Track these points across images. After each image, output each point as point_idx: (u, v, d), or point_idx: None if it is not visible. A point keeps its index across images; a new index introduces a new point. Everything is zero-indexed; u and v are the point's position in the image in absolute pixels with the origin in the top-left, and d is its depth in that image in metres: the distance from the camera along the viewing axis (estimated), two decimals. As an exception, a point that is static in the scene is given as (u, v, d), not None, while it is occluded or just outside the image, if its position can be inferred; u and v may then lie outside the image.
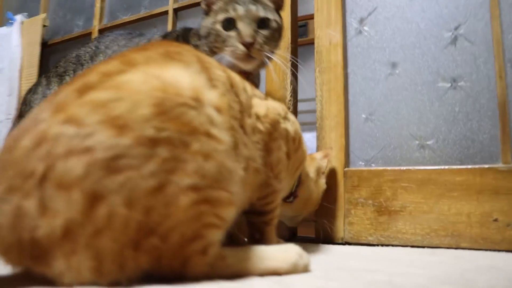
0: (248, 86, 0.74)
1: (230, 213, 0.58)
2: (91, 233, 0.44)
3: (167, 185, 0.47)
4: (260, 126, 0.71)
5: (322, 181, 1.07)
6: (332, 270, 0.68)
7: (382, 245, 1.07)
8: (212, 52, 0.99)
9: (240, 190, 0.61)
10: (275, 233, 0.82)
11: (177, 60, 0.60)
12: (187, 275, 0.52)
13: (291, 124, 0.79)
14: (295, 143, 0.80)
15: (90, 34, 1.81)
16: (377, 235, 1.08)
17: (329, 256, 0.87)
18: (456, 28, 1.11)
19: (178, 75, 0.55)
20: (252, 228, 0.80)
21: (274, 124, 0.74)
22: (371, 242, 1.09)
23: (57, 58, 1.60)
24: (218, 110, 0.56)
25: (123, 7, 1.79)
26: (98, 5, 1.82)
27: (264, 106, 0.73)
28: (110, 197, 0.44)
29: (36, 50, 1.90)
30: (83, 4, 1.93)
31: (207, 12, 1.05)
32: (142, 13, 1.71)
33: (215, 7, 1.03)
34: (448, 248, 0.99)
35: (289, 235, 1.20)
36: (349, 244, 1.11)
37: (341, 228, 1.13)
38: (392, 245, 1.06)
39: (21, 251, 0.45)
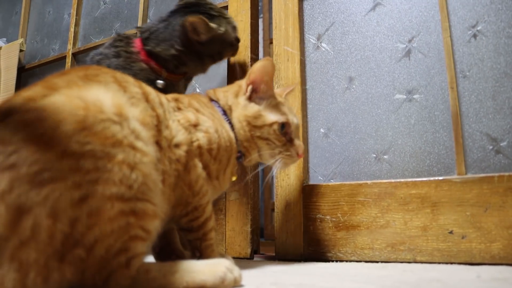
0: (164, 99, 0.75)
1: (155, 225, 0.59)
2: (16, 245, 0.45)
3: (91, 195, 0.49)
4: (173, 155, 0.70)
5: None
6: (265, 285, 0.66)
7: (340, 261, 1.05)
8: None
9: (162, 202, 0.62)
10: (215, 249, 0.81)
11: (96, 81, 0.61)
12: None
13: (203, 135, 0.77)
14: (211, 153, 0.78)
15: (64, 57, 1.83)
16: (335, 251, 1.06)
17: (270, 272, 0.85)
18: (409, 41, 1.11)
19: (100, 94, 0.56)
20: (191, 245, 0.79)
21: (188, 151, 0.73)
22: (330, 258, 1.07)
23: (34, 81, 1.61)
24: (143, 124, 0.59)
25: (96, 31, 1.81)
26: (72, 29, 1.84)
27: (179, 129, 0.73)
28: (35, 209, 0.45)
29: (13, 74, 1.92)
30: (59, 29, 1.96)
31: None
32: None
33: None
34: (405, 262, 0.97)
35: (251, 253, 1.18)
36: (308, 260, 1.09)
37: (300, 245, 1.11)
38: (351, 261, 1.04)
39: None
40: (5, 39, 2.08)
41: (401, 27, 1.13)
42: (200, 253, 0.78)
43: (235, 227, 1.22)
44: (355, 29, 1.19)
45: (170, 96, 0.80)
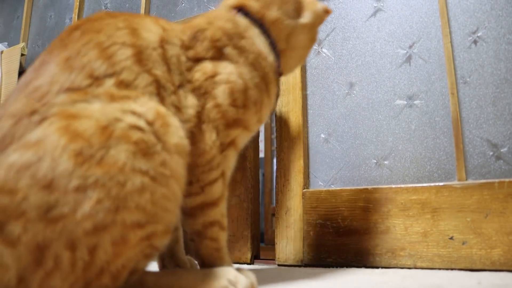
0: (171, 49, 0.67)
1: (165, 242, 0.58)
2: (42, 276, 0.47)
3: (111, 224, 0.49)
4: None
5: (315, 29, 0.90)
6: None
7: (341, 267, 1.05)
8: None
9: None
10: (224, 255, 0.74)
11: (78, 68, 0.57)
12: None
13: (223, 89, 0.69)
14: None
15: (65, 62, 1.83)
16: (335, 256, 1.06)
17: (270, 278, 0.85)
18: (410, 47, 1.11)
19: (84, 119, 0.52)
20: (193, 249, 0.77)
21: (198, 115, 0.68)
22: (331, 264, 1.07)
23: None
24: (131, 142, 0.53)
25: (97, 35, 1.81)
26: (73, 33, 1.84)
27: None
28: (53, 244, 0.46)
29: (14, 78, 1.92)
30: (60, 33, 1.96)
31: None
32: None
33: None
34: (405, 268, 0.97)
35: (252, 258, 1.18)
36: (309, 266, 1.09)
37: (300, 250, 1.11)
38: (351, 267, 1.04)
39: None
40: (6, 43, 2.09)
41: (402, 33, 1.13)
42: (198, 257, 0.71)
43: (235, 232, 1.22)
44: (356, 34, 1.20)
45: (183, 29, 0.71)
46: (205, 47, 0.70)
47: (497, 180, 0.92)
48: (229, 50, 0.71)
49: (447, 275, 0.84)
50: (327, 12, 0.89)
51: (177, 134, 0.58)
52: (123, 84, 0.57)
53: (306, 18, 0.84)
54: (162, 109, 0.58)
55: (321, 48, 1.24)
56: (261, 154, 2.74)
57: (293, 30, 0.82)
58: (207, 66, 0.68)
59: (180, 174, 0.58)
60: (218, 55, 0.70)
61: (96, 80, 0.55)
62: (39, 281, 0.47)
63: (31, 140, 0.49)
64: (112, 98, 0.55)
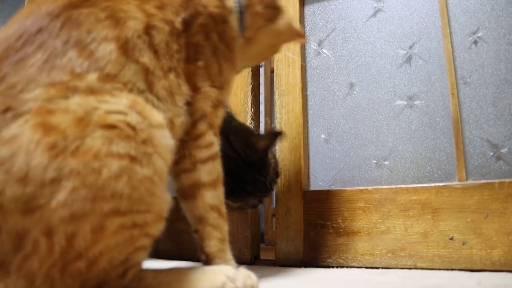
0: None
1: (160, 228, 0.58)
2: (21, 259, 0.49)
3: (90, 212, 0.49)
4: None
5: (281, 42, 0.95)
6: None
7: (341, 267, 1.05)
8: None
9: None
10: (226, 253, 0.77)
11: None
12: None
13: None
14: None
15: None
16: (336, 257, 1.06)
17: (270, 278, 0.85)
18: (410, 47, 1.11)
19: (60, 113, 0.51)
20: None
21: None
22: (331, 264, 1.06)
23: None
24: (106, 127, 0.53)
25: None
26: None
27: None
28: (31, 231, 0.48)
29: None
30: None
31: None
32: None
33: None
34: (405, 268, 0.97)
35: (251, 258, 1.18)
36: (309, 266, 1.09)
37: (300, 251, 1.11)
38: (351, 267, 1.04)
39: None
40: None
41: (402, 33, 1.13)
42: (202, 252, 0.73)
43: (235, 233, 1.22)
44: (356, 35, 1.20)
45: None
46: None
47: (497, 181, 0.92)
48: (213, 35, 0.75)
49: (447, 276, 0.84)
50: (299, 35, 0.92)
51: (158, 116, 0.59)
52: (109, 77, 0.56)
53: (277, 24, 0.87)
54: (140, 99, 0.59)
55: (321, 48, 1.24)
56: (261, 155, 2.74)
57: (262, 28, 0.86)
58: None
59: (164, 145, 0.58)
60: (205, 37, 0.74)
61: (77, 76, 0.54)
62: (18, 264, 0.49)
63: (5, 137, 0.48)
64: (92, 92, 0.54)
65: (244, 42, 0.83)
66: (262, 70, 2.66)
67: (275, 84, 1.24)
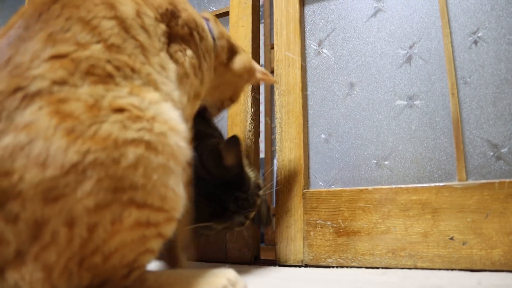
0: (147, 20, 0.71)
1: (171, 229, 0.59)
2: (38, 250, 0.48)
3: (109, 202, 0.50)
4: None
5: (242, 83, 1.04)
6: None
7: (341, 267, 1.05)
8: None
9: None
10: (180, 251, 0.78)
11: (63, 41, 0.57)
12: None
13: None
14: None
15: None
16: (336, 257, 1.06)
17: (270, 278, 0.85)
18: (410, 47, 1.11)
19: (72, 101, 0.52)
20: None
21: None
22: (331, 264, 1.06)
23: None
24: (119, 110, 0.54)
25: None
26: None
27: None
28: (51, 221, 0.48)
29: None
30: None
31: None
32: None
33: None
34: (405, 268, 0.97)
35: (252, 258, 1.18)
36: (309, 266, 1.09)
37: (300, 251, 1.11)
38: (351, 267, 1.04)
39: None
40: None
41: (402, 33, 1.13)
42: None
43: (235, 233, 1.22)
44: (356, 35, 1.20)
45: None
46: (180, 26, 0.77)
47: (497, 181, 0.92)
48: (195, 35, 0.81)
49: (447, 276, 0.84)
50: (264, 74, 1.06)
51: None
52: (113, 47, 0.59)
53: (234, 63, 0.97)
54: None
55: (322, 48, 1.24)
56: (262, 155, 2.74)
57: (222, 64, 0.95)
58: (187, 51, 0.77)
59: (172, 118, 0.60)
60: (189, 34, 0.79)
61: (82, 46, 0.56)
62: (35, 254, 0.48)
63: (21, 123, 0.49)
64: (96, 82, 0.55)
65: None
66: (262, 70, 2.65)
67: (275, 84, 1.25)
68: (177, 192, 0.58)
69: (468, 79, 1.03)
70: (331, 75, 1.21)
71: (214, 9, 1.46)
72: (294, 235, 1.13)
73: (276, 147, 1.21)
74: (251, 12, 1.33)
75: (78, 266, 0.50)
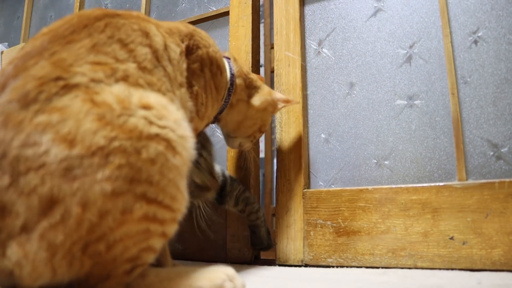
0: (173, 53, 0.76)
1: (173, 230, 0.60)
2: (45, 227, 0.48)
3: (124, 191, 0.51)
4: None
5: (267, 116, 1.08)
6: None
7: (341, 267, 1.05)
8: None
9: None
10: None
11: (104, 53, 0.62)
12: None
13: None
14: None
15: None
16: (336, 256, 1.06)
17: (271, 278, 0.85)
18: (410, 47, 1.11)
19: (106, 93, 0.56)
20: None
21: None
22: (331, 264, 1.06)
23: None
24: (147, 107, 0.58)
25: (98, 35, 1.81)
26: (74, 33, 1.84)
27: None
28: (66, 199, 0.49)
29: (15, 79, 1.92)
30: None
31: None
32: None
33: None
34: (405, 268, 0.97)
35: (252, 258, 1.18)
36: (309, 266, 1.09)
37: (300, 250, 1.11)
38: (352, 267, 1.04)
39: None
40: (7, 43, 2.09)
41: (402, 33, 1.13)
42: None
43: (236, 233, 1.22)
44: (356, 34, 1.20)
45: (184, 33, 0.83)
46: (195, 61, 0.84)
47: (497, 180, 0.92)
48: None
49: (447, 275, 0.84)
50: (285, 101, 1.10)
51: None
52: (145, 70, 0.65)
53: (254, 101, 1.02)
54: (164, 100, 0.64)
55: (322, 48, 1.24)
56: (262, 154, 2.74)
57: (242, 100, 1.01)
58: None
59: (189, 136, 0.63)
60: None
61: (120, 61, 0.62)
62: (41, 231, 0.48)
63: (57, 106, 0.52)
64: (128, 84, 0.60)
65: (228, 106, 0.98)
66: (262, 70, 2.66)
67: (275, 83, 1.25)
68: (184, 196, 0.60)
69: (468, 79, 1.03)
70: (331, 75, 1.21)
71: (214, 9, 1.46)
72: (294, 235, 1.13)
73: (276, 147, 1.21)
74: (251, 11, 1.33)
75: (81, 251, 0.51)
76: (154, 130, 0.56)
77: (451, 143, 1.02)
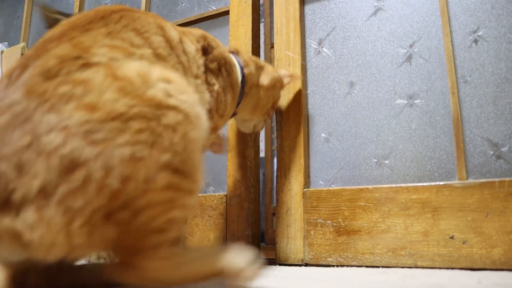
0: (188, 47, 0.79)
1: (192, 204, 0.61)
2: (64, 191, 0.48)
3: (145, 157, 0.52)
4: None
5: (277, 93, 1.12)
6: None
7: (341, 266, 1.05)
8: None
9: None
10: None
11: (120, 39, 0.64)
12: (137, 269, 0.54)
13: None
14: None
15: (66, 61, 1.83)
16: (336, 256, 1.06)
17: (271, 277, 0.85)
18: (410, 46, 1.11)
19: (125, 68, 0.58)
20: None
21: None
22: (331, 263, 1.07)
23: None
24: (168, 81, 0.60)
25: (98, 35, 1.81)
26: (74, 33, 1.84)
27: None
28: (88, 163, 0.48)
29: (15, 78, 1.92)
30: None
31: None
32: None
33: None
34: (406, 267, 0.97)
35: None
36: (309, 265, 1.09)
37: (300, 250, 1.11)
38: (352, 266, 1.04)
39: None
40: (6, 43, 2.09)
41: (402, 32, 1.13)
42: None
43: (236, 232, 1.22)
44: (356, 34, 1.20)
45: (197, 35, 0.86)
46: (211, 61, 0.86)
47: (497, 180, 0.92)
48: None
49: (447, 274, 0.84)
50: (291, 77, 1.14)
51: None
52: (160, 56, 0.67)
53: (262, 81, 1.05)
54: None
55: (322, 47, 1.24)
56: (262, 154, 2.74)
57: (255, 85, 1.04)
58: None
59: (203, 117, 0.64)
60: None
61: (136, 46, 0.65)
62: (60, 196, 0.48)
63: (79, 79, 0.53)
64: (147, 61, 0.63)
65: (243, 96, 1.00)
66: (262, 69, 2.65)
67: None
68: (202, 169, 0.62)
69: (468, 78, 1.03)
70: (331, 74, 1.21)
71: (214, 8, 1.46)
72: (294, 234, 1.13)
73: (276, 146, 1.21)
74: (251, 11, 1.33)
75: (104, 219, 0.50)
76: (173, 101, 0.57)
77: (451, 142, 1.02)
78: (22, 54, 1.97)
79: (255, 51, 1.32)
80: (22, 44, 1.99)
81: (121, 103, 0.52)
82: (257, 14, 1.37)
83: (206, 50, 0.84)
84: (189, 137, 0.57)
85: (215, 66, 0.86)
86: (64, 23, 0.66)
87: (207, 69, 0.83)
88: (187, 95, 0.60)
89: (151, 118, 0.54)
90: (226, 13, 1.40)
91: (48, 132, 0.49)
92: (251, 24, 1.32)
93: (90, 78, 0.54)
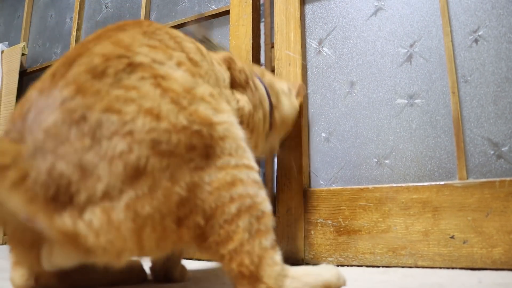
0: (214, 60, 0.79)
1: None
2: (131, 197, 0.47)
3: (205, 167, 0.53)
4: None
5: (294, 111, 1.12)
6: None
7: (342, 266, 1.05)
8: None
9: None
10: None
11: (158, 40, 0.64)
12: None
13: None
14: None
15: (66, 61, 1.83)
16: (336, 255, 1.06)
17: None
18: (411, 46, 1.11)
19: (173, 76, 0.58)
20: None
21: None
22: (332, 263, 1.06)
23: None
24: (206, 101, 0.59)
25: (98, 34, 1.81)
26: (74, 33, 1.85)
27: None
28: (155, 173, 0.48)
29: (15, 77, 1.92)
30: (61, 33, 1.97)
31: None
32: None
33: None
34: (406, 267, 0.97)
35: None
36: (310, 265, 1.09)
37: (301, 249, 1.11)
38: (352, 266, 1.04)
39: (49, 201, 0.46)
40: (7, 43, 2.09)
41: (403, 32, 1.13)
42: None
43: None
44: (357, 33, 1.20)
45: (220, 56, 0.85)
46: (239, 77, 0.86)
47: (498, 179, 0.92)
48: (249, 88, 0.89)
49: (448, 274, 0.84)
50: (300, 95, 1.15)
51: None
52: (193, 61, 0.65)
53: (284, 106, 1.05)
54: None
55: (322, 47, 1.24)
56: (262, 153, 2.74)
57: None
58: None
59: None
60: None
61: (170, 48, 0.63)
62: (127, 201, 0.47)
63: (129, 85, 0.52)
64: (187, 71, 0.61)
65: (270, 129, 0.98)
66: (262, 69, 2.65)
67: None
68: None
69: (469, 78, 1.03)
70: (331, 74, 1.21)
71: (215, 8, 1.46)
72: (294, 234, 1.13)
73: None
74: (251, 10, 1.33)
75: (175, 225, 0.50)
76: (217, 118, 0.57)
77: (452, 142, 1.02)
78: (22, 54, 1.97)
79: (256, 51, 1.32)
80: (22, 44, 1.99)
81: (183, 116, 0.52)
82: (258, 13, 1.37)
83: (230, 64, 0.84)
84: (233, 133, 0.58)
85: (244, 77, 0.86)
86: (98, 30, 0.66)
87: (235, 82, 0.83)
88: (227, 114, 0.60)
89: (207, 137, 0.54)
90: (227, 12, 1.41)
91: (111, 137, 0.47)
92: (251, 24, 1.32)
93: (138, 85, 0.53)
